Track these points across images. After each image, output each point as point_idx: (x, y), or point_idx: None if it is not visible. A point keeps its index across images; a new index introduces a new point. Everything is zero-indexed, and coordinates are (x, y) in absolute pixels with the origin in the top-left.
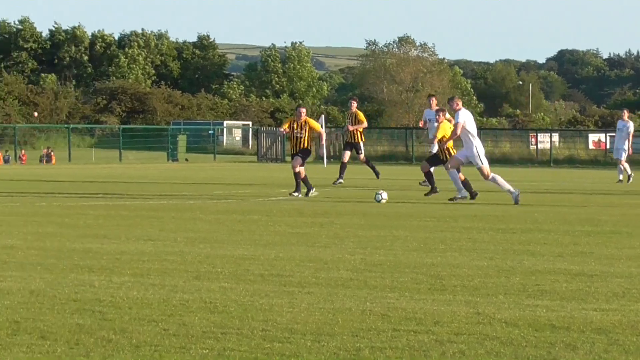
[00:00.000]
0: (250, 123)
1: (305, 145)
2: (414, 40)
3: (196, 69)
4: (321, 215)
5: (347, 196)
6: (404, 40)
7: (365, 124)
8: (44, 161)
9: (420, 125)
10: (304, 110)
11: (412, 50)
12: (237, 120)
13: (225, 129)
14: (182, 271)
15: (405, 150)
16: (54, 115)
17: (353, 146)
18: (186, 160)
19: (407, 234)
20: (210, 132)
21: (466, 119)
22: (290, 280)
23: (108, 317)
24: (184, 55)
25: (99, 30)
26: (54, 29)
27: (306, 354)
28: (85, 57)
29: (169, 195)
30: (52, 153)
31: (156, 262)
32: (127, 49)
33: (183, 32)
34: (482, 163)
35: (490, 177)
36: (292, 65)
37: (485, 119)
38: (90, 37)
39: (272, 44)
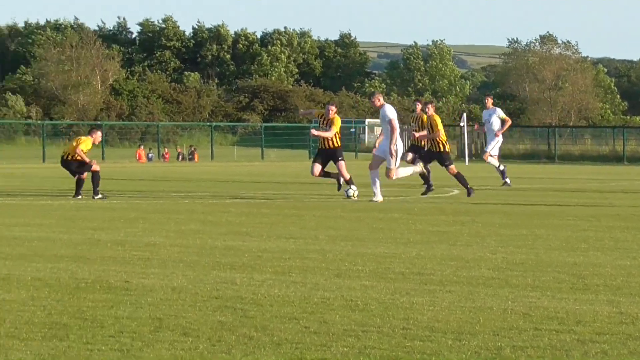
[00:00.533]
0: None
1: (330, 144)
2: (556, 38)
3: (338, 67)
4: (462, 213)
5: (488, 195)
6: (546, 39)
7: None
8: (182, 158)
9: (475, 128)
10: (333, 108)
11: (555, 48)
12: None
13: (366, 127)
14: (323, 269)
15: (547, 149)
16: (196, 113)
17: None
18: None
19: (548, 232)
20: (351, 130)
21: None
22: (431, 279)
23: (249, 315)
24: (326, 54)
25: (241, 29)
26: (197, 27)
27: (447, 352)
28: (228, 56)
29: (310, 194)
30: (195, 151)
31: (297, 260)
32: (269, 47)
33: (325, 31)
34: (394, 165)
35: (393, 177)
36: (434, 63)
37: (628, 117)
38: (233, 36)
39: (414, 42)
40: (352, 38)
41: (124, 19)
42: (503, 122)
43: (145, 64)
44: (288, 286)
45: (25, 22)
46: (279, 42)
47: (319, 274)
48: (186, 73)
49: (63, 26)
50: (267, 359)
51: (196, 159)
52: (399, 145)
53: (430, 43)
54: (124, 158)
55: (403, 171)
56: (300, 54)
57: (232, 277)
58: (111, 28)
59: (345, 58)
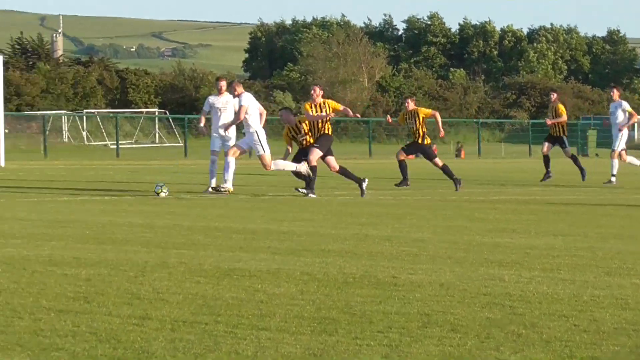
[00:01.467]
0: None
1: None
2: None
3: (606, 64)
4: None
5: None
6: None
7: (564, 118)
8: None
9: (604, 124)
10: (316, 88)
11: None
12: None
13: (636, 125)
14: (592, 267)
15: None
16: (463, 110)
17: (556, 140)
18: (596, 155)
19: None
20: None
21: (250, 103)
22: None
23: (518, 312)
24: (594, 50)
25: (507, 25)
26: (463, 23)
27: None
28: (495, 52)
29: (579, 190)
30: (461, 148)
31: (566, 257)
32: (535, 44)
33: (593, 27)
34: (264, 151)
35: (271, 166)
36: None
37: None
38: (499, 32)
39: None
40: (620, 34)
41: (389, 16)
42: (630, 116)
43: (412, 60)
44: (557, 284)
45: (293, 20)
46: (544, 38)
47: (588, 272)
48: (452, 69)
49: (329, 23)
50: (536, 356)
51: (462, 156)
52: (261, 134)
53: None
54: (392, 154)
55: (283, 163)
56: (567, 51)
57: (500, 274)
58: (377, 25)
59: (613, 55)
